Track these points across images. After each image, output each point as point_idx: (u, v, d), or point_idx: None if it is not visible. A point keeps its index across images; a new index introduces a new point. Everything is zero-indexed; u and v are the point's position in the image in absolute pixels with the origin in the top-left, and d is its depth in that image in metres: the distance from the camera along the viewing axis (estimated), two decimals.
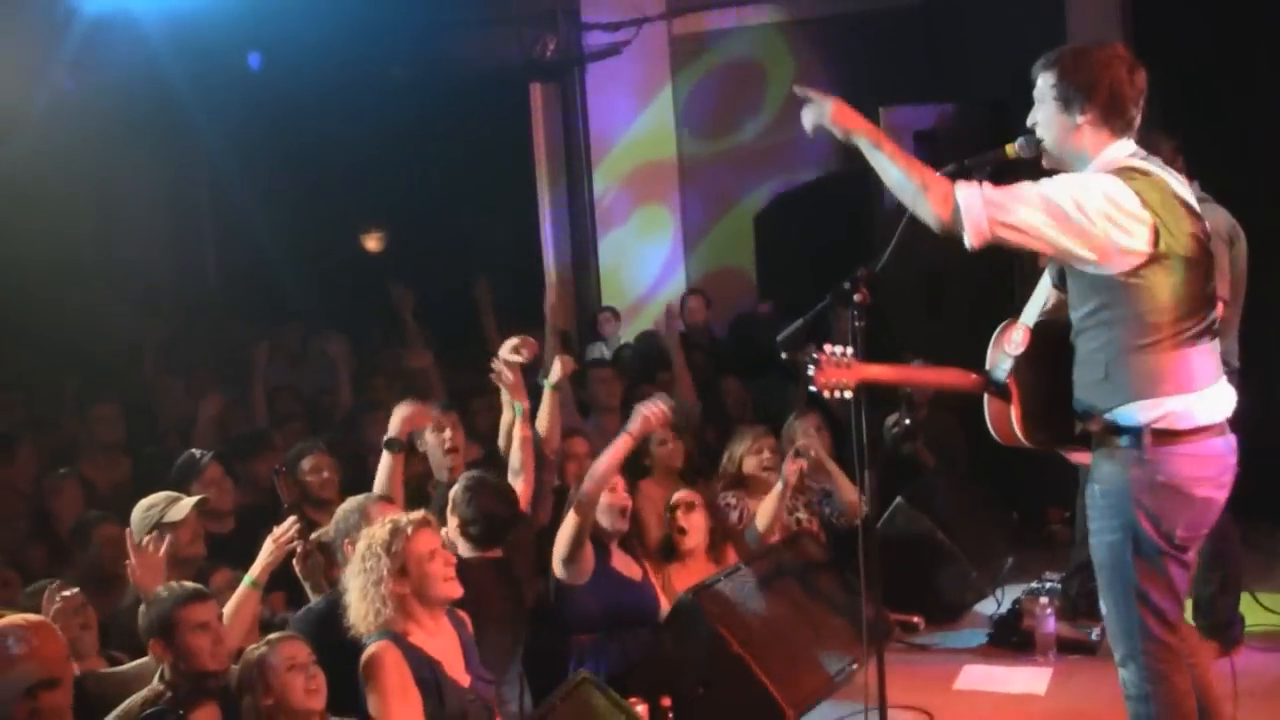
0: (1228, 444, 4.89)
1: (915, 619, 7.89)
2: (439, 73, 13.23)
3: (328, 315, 12.67)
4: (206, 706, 5.16)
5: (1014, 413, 5.10)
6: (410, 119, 13.80)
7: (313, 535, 6.61)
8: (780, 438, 8.73)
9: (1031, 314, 5.26)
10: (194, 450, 7.83)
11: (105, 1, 11.17)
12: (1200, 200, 6.76)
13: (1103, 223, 4.67)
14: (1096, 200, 4.68)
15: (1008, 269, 10.26)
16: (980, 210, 4.70)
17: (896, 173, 4.85)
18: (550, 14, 13.97)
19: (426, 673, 5.65)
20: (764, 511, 8.03)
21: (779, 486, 7.99)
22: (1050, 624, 7.28)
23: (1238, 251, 7.01)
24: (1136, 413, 4.78)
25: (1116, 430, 4.83)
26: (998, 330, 5.26)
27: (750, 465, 8.49)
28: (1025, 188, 4.75)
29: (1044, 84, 4.96)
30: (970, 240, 4.73)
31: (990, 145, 5.17)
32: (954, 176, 5.03)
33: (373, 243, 15.79)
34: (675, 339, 9.80)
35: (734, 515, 8.34)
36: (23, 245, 12.07)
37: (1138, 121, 4.96)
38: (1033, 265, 9.98)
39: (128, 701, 5.45)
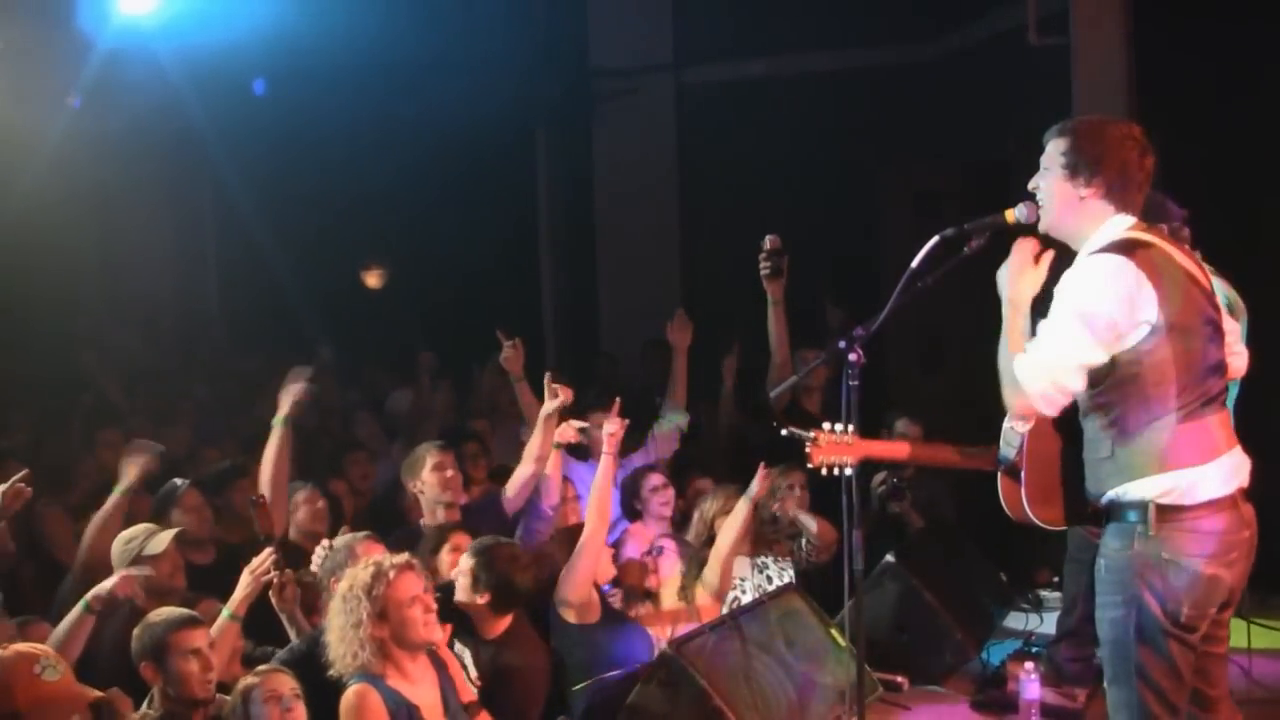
0: (1238, 519, 4.83)
1: (899, 679, 7.85)
2: (445, 113, 13.27)
3: (329, 348, 12.71)
4: None
5: (1024, 493, 5.10)
6: (416, 158, 13.85)
7: (299, 572, 6.61)
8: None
9: None
10: (175, 479, 7.85)
11: (120, 32, 11.22)
12: None
13: (1109, 334, 4.71)
14: (1103, 312, 4.71)
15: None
16: (1043, 387, 4.76)
17: (1005, 361, 4.93)
18: (559, 60, 14.05)
19: (404, 717, 5.63)
20: (725, 530, 7.98)
21: (741, 508, 7.95)
22: (1035, 689, 7.23)
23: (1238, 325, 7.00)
24: (1141, 489, 4.76)
25: (1123, 506, 4.81)
26: None
27: (720, 525, 8.41)
28: (1050, 343, 4.80)
29: (1054, 151, 4.96)
30: (1050, 411, 4.80)
31: (992, 207, 5.18)
32: (953, 239, 5.05)
33: (373, 279, 15.81)
34: (683, 344, 9.73)
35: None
36: (29, 272, 12.13)
37: (1140, 205, 4.97)
38: (1031, 325, 10.06)
39: None
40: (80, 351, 12.96)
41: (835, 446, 5.12)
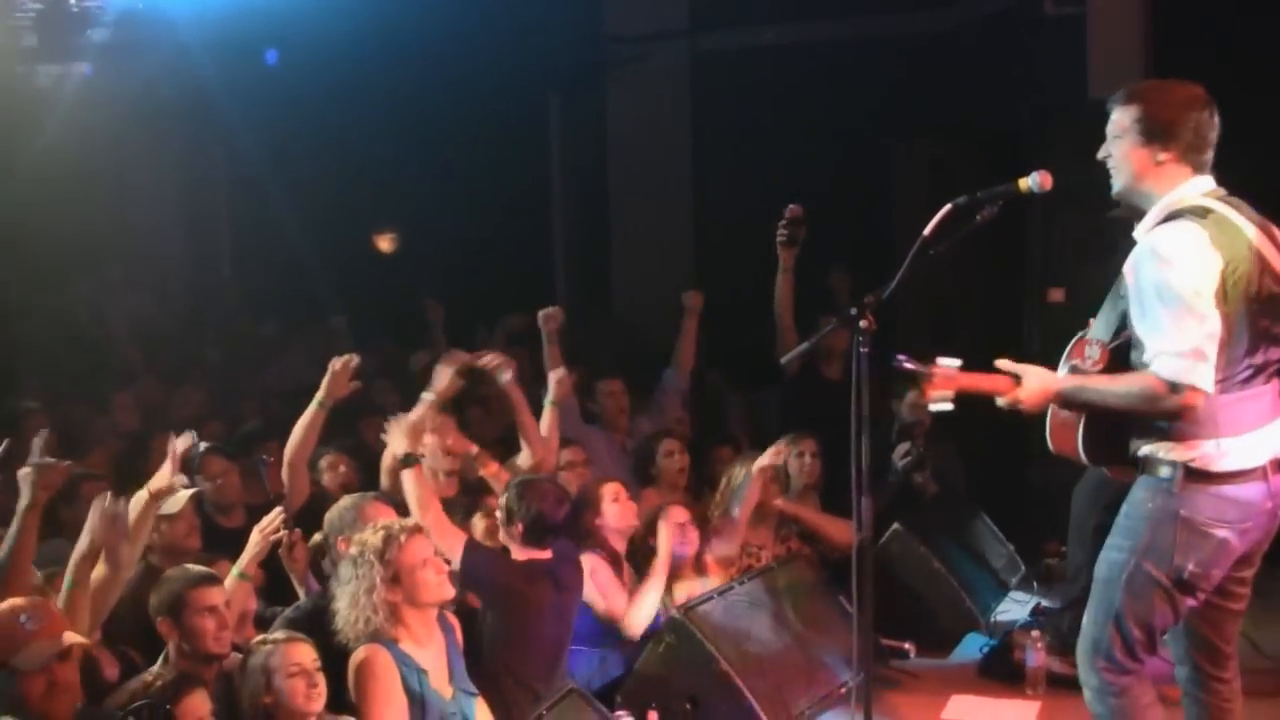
0: (1264, 490, 4.88)
1: (906, 646, 7.84)
2: (459, 79, 13.26)
3: (342, 312, 12.73)
4: (195, 694, 5.16)
5: (1081, 426, 5.09)
6: (430, 123, 13.85)
7: (313, 539, 6.63)
8: None
9: (1102, 331, 5.17)
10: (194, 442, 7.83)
11: None
12: None
13: (1204, 300, 4.70)
14: (1189, 285, 4.71)
15: (1017, 297, 10.28)
16: (1179, 367, 4.69)
17: (1115, 401, 4.87)
18: (573, 26, 14.01)
19: (414, 682, 5.68)
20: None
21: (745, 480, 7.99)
22: (1040, 657, 7.27)
23: None
24: (1173, 450, 4.82)
25: (1157, 462, 4.88)
26: (1072, 342, 5.27)
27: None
28: (1159, 320, 4.75)
29: (1124, 118, 4.98)
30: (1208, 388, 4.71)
31: (1005, 176, 5.18)
32: (966, 208, 5.05)
33: (385, 243, 15.81)
34: (695, 307, 9.72)
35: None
36: (42, 235, 12.15)
37: (1210, 163, 4.99)
38: (1040, 296, 10.06)
39: (125, 686, 5.51)
40: (95, 314, 13.04)
41: (947, 380, 5.07)
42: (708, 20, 14.09)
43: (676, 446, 8.73)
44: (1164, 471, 4.85)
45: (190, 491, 6.81)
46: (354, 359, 7.52)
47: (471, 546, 6.47)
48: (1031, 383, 4.97)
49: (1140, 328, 4.81)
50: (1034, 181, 5.08)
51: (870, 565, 5.40)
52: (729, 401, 11.03)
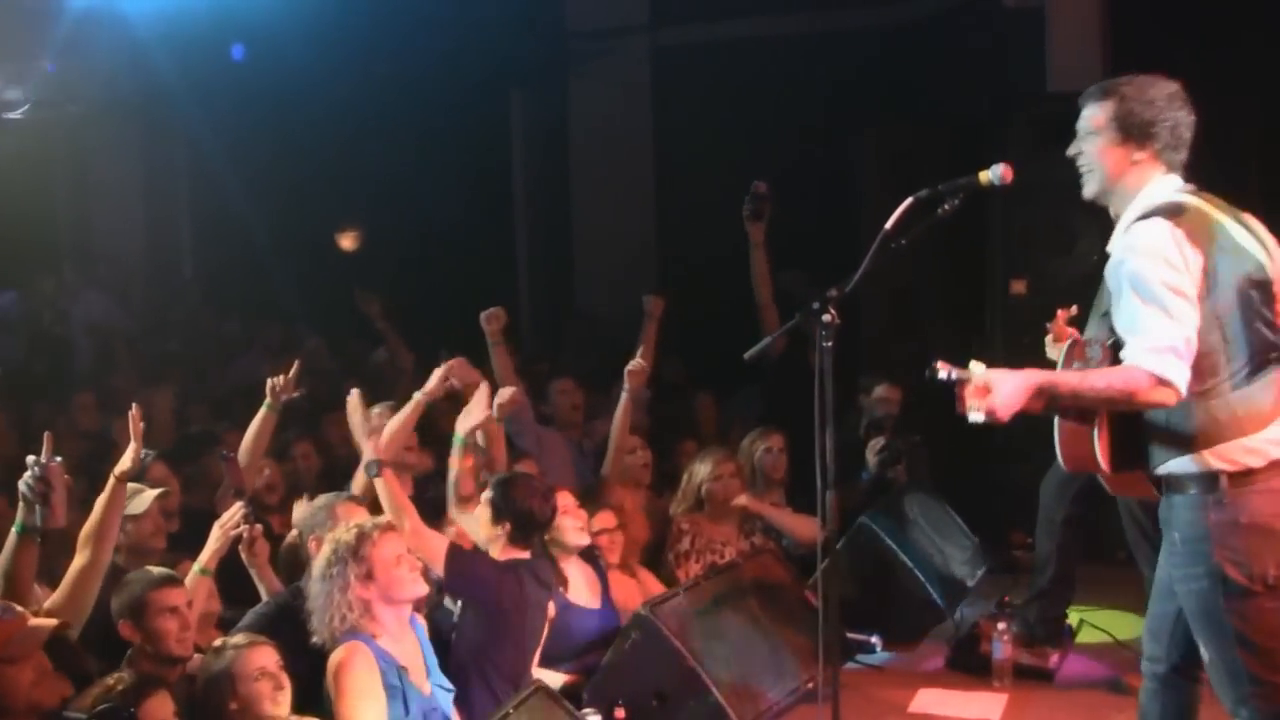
0: None
1: (873, 640, 7.86)
2: (421, 74, 13.23)
3: (303, 310, 12.69)
4: (158, 696, 5.13)
5: (1098, 434, 4.81)
6: (391, 119, 13.82)
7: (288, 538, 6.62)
8: (739, 454, 8.79)
9: (1098, 331, 5.05)
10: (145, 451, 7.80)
11: None
12: None
13: (1183, 298, 4.60)
14: (1167, 281, 4.61)
15: (979, 289, 10.30)
16: (1157, 362, 4.56)
17: (1092, 396, 4.68)
18: (534, 21, 14.00)
19: (394, 678, 5.64)
20: None
21: None
22: (1007, 649, 7.28)
23: None
24: (1205, 460, 4.68)
25: (1188, 479, 4.72)
26: (1067, 346, 5.09)
27: (711, 489, 8.43)
28: (1137, 316, 4.64)
29: (1100, 114, 4.88)
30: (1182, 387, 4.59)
31: (968, 169, 5.17)
32: (927, 201, 5.03)
33: (347, 241, 15.77)
34: (655, 313, 9.66)
35: (686, 541, 8.32)
36: (1, 234, 12.10)
37: (1184, 161, 4.91)
38: (1003, 287, 10.08)
39: (88, 690, 5.46)
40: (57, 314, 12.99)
41: (981, 390, 4.66)
42: (668, 15, 14.10)
43: (638, 443, 8.69)
44: (1197, 486, 4.70)
45: (156, 492, 6.78)
46: (295, 366, 7.62)
47: (454, 552, 6.43)
48: (999, 399, 4.61)
49: (1120, 324, 4.72)
50: (995, 174, 5.05)
51: (835, 559, 5.41)
52: (689, 392, 11.00)
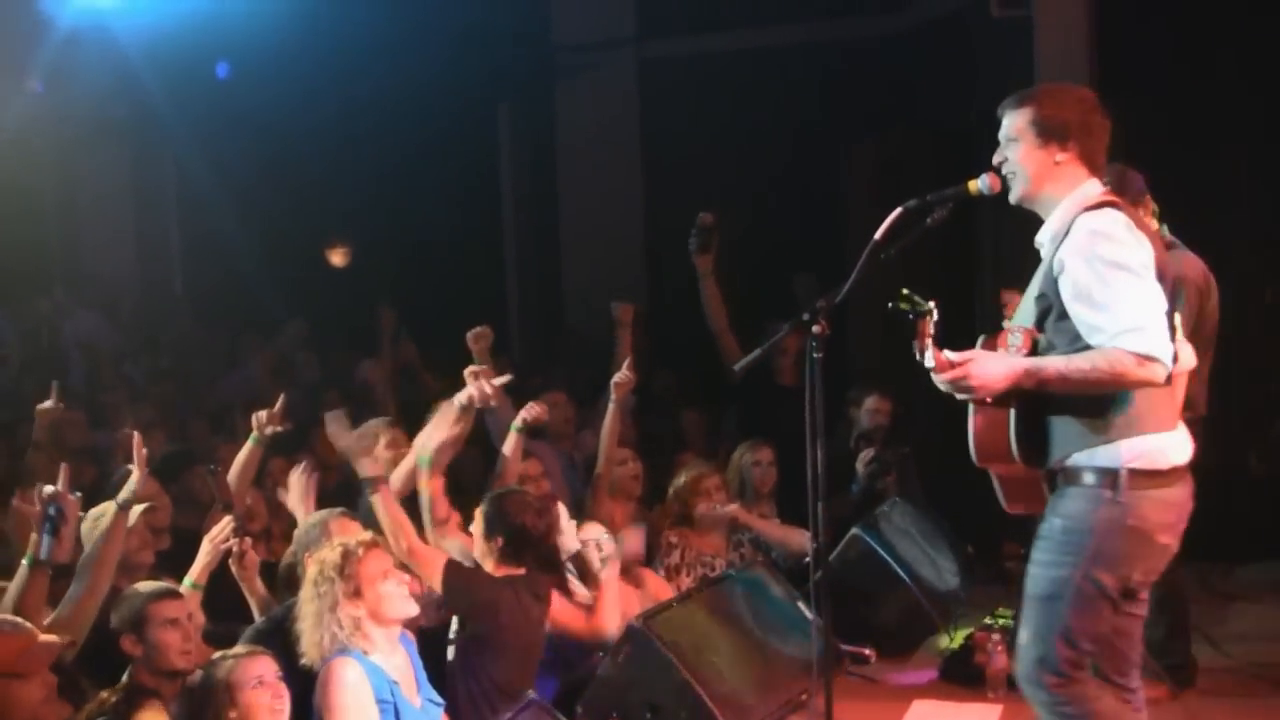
0: (1189, 490, 4.87)
1: (867, 651, 7.86)
2: (408, 89, 13.24)
3: (300, 320, 12.70)
4: (150, 708, 5.13)
5: (1014, 423, 4.85)
6: (379, 135, 13.83)
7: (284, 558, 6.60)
8: (729, 467, 8.85)
9: (1025, 319, 5.02)
10: (130, 466, 7.76)
11: (80, 13, 11.17)
12: (1170, 246, 6.82)
13: (1145, 274, 4.69)
14: (1127, 257, 4.69)
15: (968, 300, 10.30)
16: (1145, 339, 4.60)
17: (1080, 379, 4.67)
18: (520, 35, 14.02)
19: (386, 693, 5.64)
20: None
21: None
22: (1001, 660, 7.26)
23: (1211, 299, 7.00)
24: (1111, 454, 4.73)
25: (1088, 470, 4.77)
26: (982, 338, 5.03)
27: (695, 503, 8.42)
28: (1117, 295, 4.66)
29: (1019, 121, 4.92)
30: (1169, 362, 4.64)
31: (956, 178, 5.17)
32: (916, 210, 5.04)
33: (337, 257, 15.75)
34: (625, 320, 9.64)
35: (676, 555, 8.31)
36: None
37: (1103, 172, 4.97)
38: (993, 298, 10.09)
39: (83, 708, 5.45)
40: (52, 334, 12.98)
41: (960, 363, 4.76)
42: (655, 27, 14.10)
43: (629, 454, 8.67)
44: (1095, 479, 4.75)
45: (142, 506, 6.75)
46: (281, 399, 7.58)
47: (452, 568, 6.40)
48: (980, 368, 4.73)
49: (1091, 311, 4.68)
50: (984, 184, 5.06)
51: (828, 571, 5.40)
52: (679, 404, 10.99)
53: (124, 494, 5.98)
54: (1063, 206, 4.87)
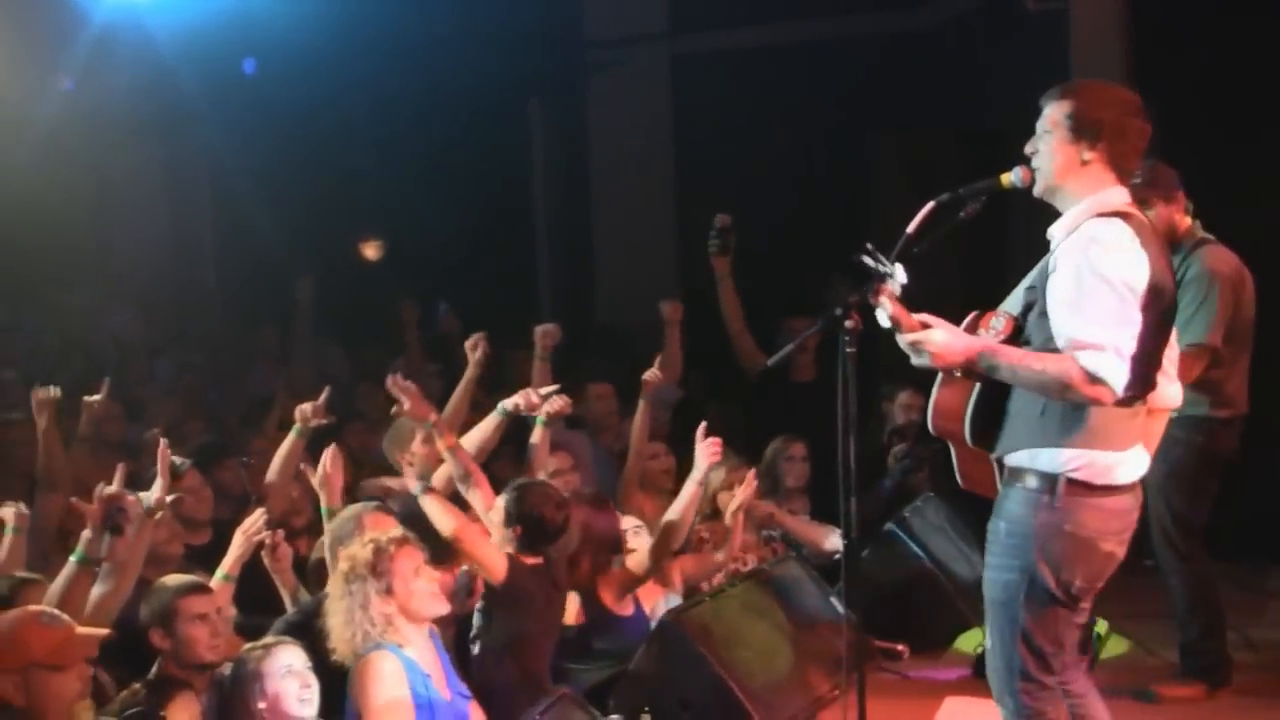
0: (1135, 500, 4.88)
1: (899, 648, 7.86)
2: (439, 86, 13.26)
3: (324, 321, 12.70)
4: (183, 697, 5.16)
5: (973, 404, 4.92)
6: (411, 132, 13.85)
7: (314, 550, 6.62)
8: (761, 462, 8.80)
9: (1012, 306, 5.03)
10: (173, 458, 7.78)
11: (113, 10, 11.22)
12: (1203, 241, 6.77)
13: (1126, 296, 4.63)
14: (1116, 273, 4.64)
15: (999, 285, 10.25)
16: (1100, 360, 4.56)
17: (1029, 377, 4.70)
18: (552, 31, 14.02)
19: (421, 687, 5.66)
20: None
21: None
22: None
23: (1246, 293, 6.97)
24: (1053, 460, 4.74)
25: (1028, 472, 4.79)
26: (970, 318, 5.06)
27: (724, 499, 8.37)
28: (1091, 309, 4.63)
29: (1056, 113, 4.87)
30: (1124, 391, 4.60)
31: (987, 174, 5.14)
32: (948, 205, 5.02)
33: (370, 251, 15.77)
34: (674, 318, 9.65)
35: (706, 550, 8.30)
36: (24, 249, 12.13)
37: (1133, 174, 4.95)
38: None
39: (117, 696, 5.49)
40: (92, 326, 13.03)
41: (891, 295, 4.85)
42: (687, 23, 14.09)
43: (661, 449, 8.72)
44: (1035, 482, 4.76)
45: (171, 497, 6.77)
46: (325, 393, 7.68)
47: (514, 565, 6.46)
48: (943, 336, 4.79)
49: (1064, 314, 4.68)
50: (1016, 177, 5.02)
51: (860, 567, 5.39)
52: (710, 404, 10.98)
53: (148, 500, 5.99)
54: (1079, 206, 4.85)
